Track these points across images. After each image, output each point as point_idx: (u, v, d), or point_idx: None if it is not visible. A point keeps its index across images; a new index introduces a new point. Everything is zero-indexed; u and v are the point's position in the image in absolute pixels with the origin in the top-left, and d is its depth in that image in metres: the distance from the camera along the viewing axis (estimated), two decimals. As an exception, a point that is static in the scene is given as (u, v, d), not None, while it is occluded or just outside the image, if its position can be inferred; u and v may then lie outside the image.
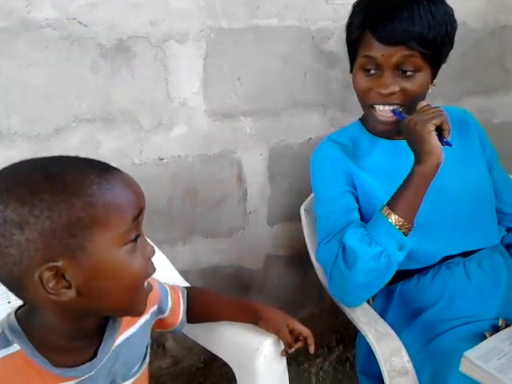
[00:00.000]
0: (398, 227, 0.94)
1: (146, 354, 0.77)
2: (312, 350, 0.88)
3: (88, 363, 0.66)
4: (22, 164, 0.59)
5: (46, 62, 1.07)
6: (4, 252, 0.54)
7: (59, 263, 0.56)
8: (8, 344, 0.62)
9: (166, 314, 0.85)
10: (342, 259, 0.98)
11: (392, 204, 0.96)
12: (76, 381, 0.65)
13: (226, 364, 0.94)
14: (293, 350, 0.88)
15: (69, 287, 0.57)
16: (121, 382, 0.72)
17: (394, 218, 0.94)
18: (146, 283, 0.65)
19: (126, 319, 0.72)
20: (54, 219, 0.54)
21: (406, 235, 0.95)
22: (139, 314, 0.68)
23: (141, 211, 0.62)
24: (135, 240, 0.61)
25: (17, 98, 1.07)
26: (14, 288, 0.59)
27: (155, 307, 0.81)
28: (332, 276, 1.03)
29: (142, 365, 0.75)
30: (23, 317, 0.64)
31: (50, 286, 0.56)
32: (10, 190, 0.55)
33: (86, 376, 0.66)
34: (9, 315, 0.65)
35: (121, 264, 0.59)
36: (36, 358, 0.62)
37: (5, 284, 0.59)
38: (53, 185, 0.56)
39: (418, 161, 0.94)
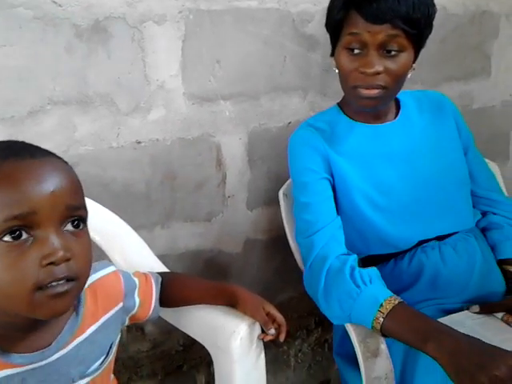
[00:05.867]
0: (377, 315, 0.91)
1: (109, 352, 0.75)
2: (282, 338, 0.88)
3: (38, 352, 0.65)
4: None
5: (19, 43, 1.05)
6: None
7: None
8: None
9: (136, 309, 0.83)
10: (323, 289, 0.99)
11: (395, 312, 0.90)
12: (23, 369, 0.64)
13: (205, 347, 0.95)
14: (269, 337, 0.88)
15: None
16: (78, 379, 0.70)
17: (381, 311, 0.91)
18: (49, 288, 0.57)
19: (89, 315, 0.71)
20: None
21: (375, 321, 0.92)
22: (43, 317, 0.61)
23: (29, 213, 0.56)
24: (15, 239, 0.56)
25: (-11, 80, 1.05)
26: None
27: (120, 305, 0.79)
28: (308, 274, 1.05)
29: (103, 363, 0.74)
30: None
31: None
32: None
33: (35, 365, 0.65)
34: None
35: None
36: None
37: None
38: None
39: (446, 358, 0.81)
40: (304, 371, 1.65)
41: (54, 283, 0.57)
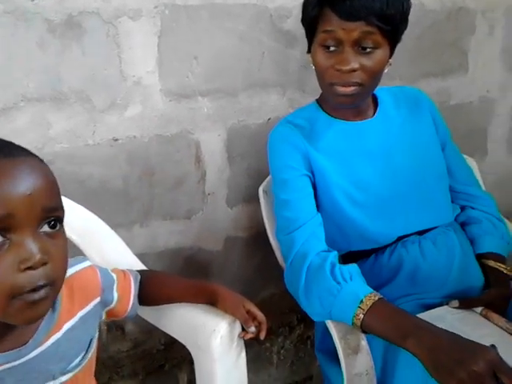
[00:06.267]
0: (357, 311, 0.91)
1: (89, 348, 0.74)
2: (263, 336, 0.87)
3: (14, 350, 0.64)
4: None
5: (-11, 38, 1.03)
6: None
7: None
8: None
9: (114, 304, 0.82)
10: (304, 286, 0.99)
11: (375, 308, 0.90)
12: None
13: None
14: (249, 335, 0.87)
15: None
16: (59, 376, 0.69)
17: (361, 307, 0.91)
18: (25, 295, 0.56)
19: (65, 311, 0.70)
20: None
21: (355, 317, 0.92)
22: (18, 323, 0.60)
23: (6, 216, 0.54)
24: None
25: (-41, 76, 1.02)
26: None
27: (97, 300, 0.78)
28: (289, 271, 1.04)
29: (83, 358, 0.73)
30: None
31: None
32: None
33: (12, 364, 0.63)
34: None
35: None
36: None
37: None
38: None
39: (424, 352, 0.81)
40: (287, 368, 1.65)
41: (31, 291, 0.56)
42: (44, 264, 0.56)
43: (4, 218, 0.54)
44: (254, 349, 1.52)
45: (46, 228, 0.58)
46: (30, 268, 0.55)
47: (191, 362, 1.46)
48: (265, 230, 1.23)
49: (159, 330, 0.97)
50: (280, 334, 1.65)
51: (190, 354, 0.93)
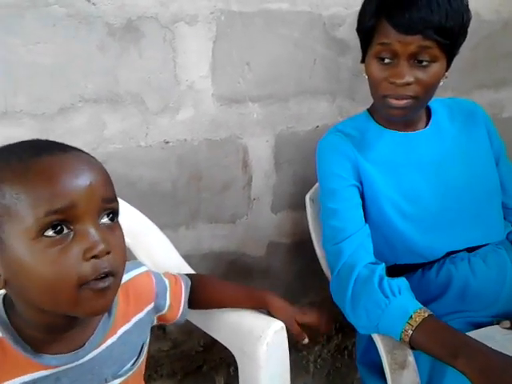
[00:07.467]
0: (406, 327, 0.90)
1: (140, 353, 0.75)
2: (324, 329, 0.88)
3: (72, 352, 0.65)
4: None
5: (52, 40, 1.06)
6: None
7: None
8: None
9: (165, 310, 0.83)
10: (351, 298, 0.98)
11: (425, 325, 0.88)
12: (57, 369, 0.64)
13: (225, 349, 0.94)
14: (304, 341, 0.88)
15: None
16: (111, 379, 0.70)
17: (410, 323, 0.89)
18: (92, 284, 0.57)
19: (121, 316, 0.71)
20: None
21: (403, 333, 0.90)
22: (83, 315, 0.61)
23: (69, 206, 0.55)
24: (57, 234, 0.55)
25: (23, 76, 1.05)
26: None
27: (151, 305, 0.79)
28: (335, 282, 1.03)
29: (135, 363, 0.74)
30: (9, 302, 0.63)
31: None
32: None
33: (69, 366, 0.65)
34: None
35: (31, 260, 0.55)
36: (18, 345, 0.61)
37: None
38: None
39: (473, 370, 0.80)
40: (323, 377, 1.63)
41: (97, 280, 0.57)
42: (107, 253, 0.57)
43: (68, 208, 0.55)
44: (290, 356, 1.51)
45: (105, 219, 0.60)
46: (95, 257, 0.56)
47: (229, 366, 1.48)
48: (308, 237, 1.23)
49: (199, 331, 0.98)
50: (317, 342, 1.63)
51: (228, 357, 0.94)
